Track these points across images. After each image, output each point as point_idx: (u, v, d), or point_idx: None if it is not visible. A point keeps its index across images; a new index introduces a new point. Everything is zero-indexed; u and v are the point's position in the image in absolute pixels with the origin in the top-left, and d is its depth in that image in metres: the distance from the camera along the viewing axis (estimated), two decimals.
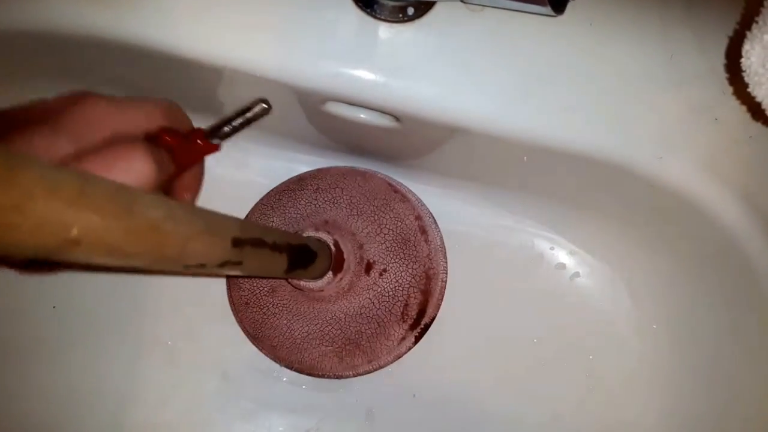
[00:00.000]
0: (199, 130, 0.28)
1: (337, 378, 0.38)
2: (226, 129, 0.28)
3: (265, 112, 0.28)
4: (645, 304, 0.40)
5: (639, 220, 0.37)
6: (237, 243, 0.22)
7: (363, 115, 0.34)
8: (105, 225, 0.14)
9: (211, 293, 0.42)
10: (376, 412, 0.41)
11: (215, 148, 0.28)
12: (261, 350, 0.40)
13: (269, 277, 0.38)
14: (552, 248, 0.42)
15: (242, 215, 0.42)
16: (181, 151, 0.27)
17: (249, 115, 0.28)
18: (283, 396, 0.41)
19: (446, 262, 0.38)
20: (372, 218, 0.38)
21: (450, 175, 0.40)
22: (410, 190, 0.39)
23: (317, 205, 0.39)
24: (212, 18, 0.30)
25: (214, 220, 0.21)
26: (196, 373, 0.42)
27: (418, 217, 0.38)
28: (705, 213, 0.31)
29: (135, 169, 0.22)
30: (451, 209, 0.42)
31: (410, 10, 0.30)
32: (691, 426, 0.37)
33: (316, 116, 0.35)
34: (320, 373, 0.38)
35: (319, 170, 0.41)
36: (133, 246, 0.16)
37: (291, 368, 0.39)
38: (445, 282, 0.38)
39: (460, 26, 0.31)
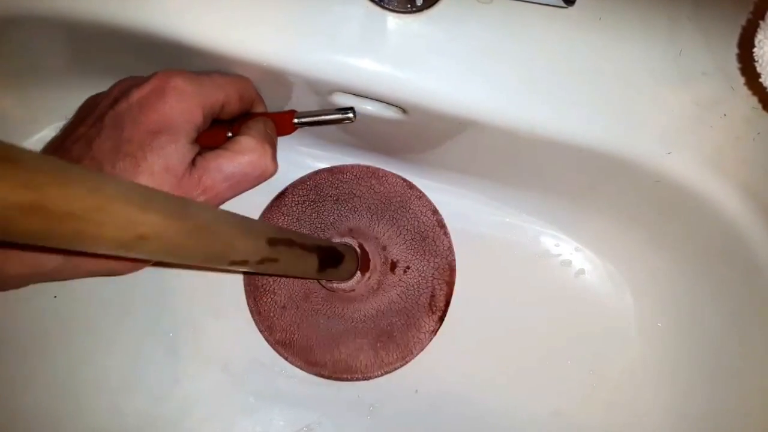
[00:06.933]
0: (293, 111, 0.32)
1: (366, 380, 0.39)
2: (308, 119, 0.32)
3: (348, 120, 0.31)
4: (649, 301, 0.40)
5: (644, 218, 0.37)
6: (272, 242, 0.25)
7: (369, 107, 0.33)
8: (166, 224, 0.18)
9: (213, 286, 0.42)
10: (379, 407, 0.41)
11: (291, 131, 0.32)
12: (287, 357, 0.40)
13: (304, 278, 0.40)
14: (557, 245, 0.42)
15: (249, 209, 0.41)
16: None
17: (333, 116, 0.32)
18: (284, 390, 0.41)
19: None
20: (391, 222, 0.41)
21: (456, 172, 0.41)
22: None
23: (340, 214, 0.42)
24: (219, 7, 0.30)
25: (251, 224, 0.24)
26: (197, 366, 0.41)
27: (435, 212, 0.40)
28: (711, 209, 0.31)
29: (263, 172, 0.29)
30: (457, 206, 0.42)
31: (419, 1, 0.30)
32: (693, 423, 0.37)
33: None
34: (350, 377, 0.39)
35: (331, 172, 0.42)
36: (187, 242, 0.19)
37: (323, 375, 0.39)
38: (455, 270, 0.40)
39: (468, 17, 0.30)
